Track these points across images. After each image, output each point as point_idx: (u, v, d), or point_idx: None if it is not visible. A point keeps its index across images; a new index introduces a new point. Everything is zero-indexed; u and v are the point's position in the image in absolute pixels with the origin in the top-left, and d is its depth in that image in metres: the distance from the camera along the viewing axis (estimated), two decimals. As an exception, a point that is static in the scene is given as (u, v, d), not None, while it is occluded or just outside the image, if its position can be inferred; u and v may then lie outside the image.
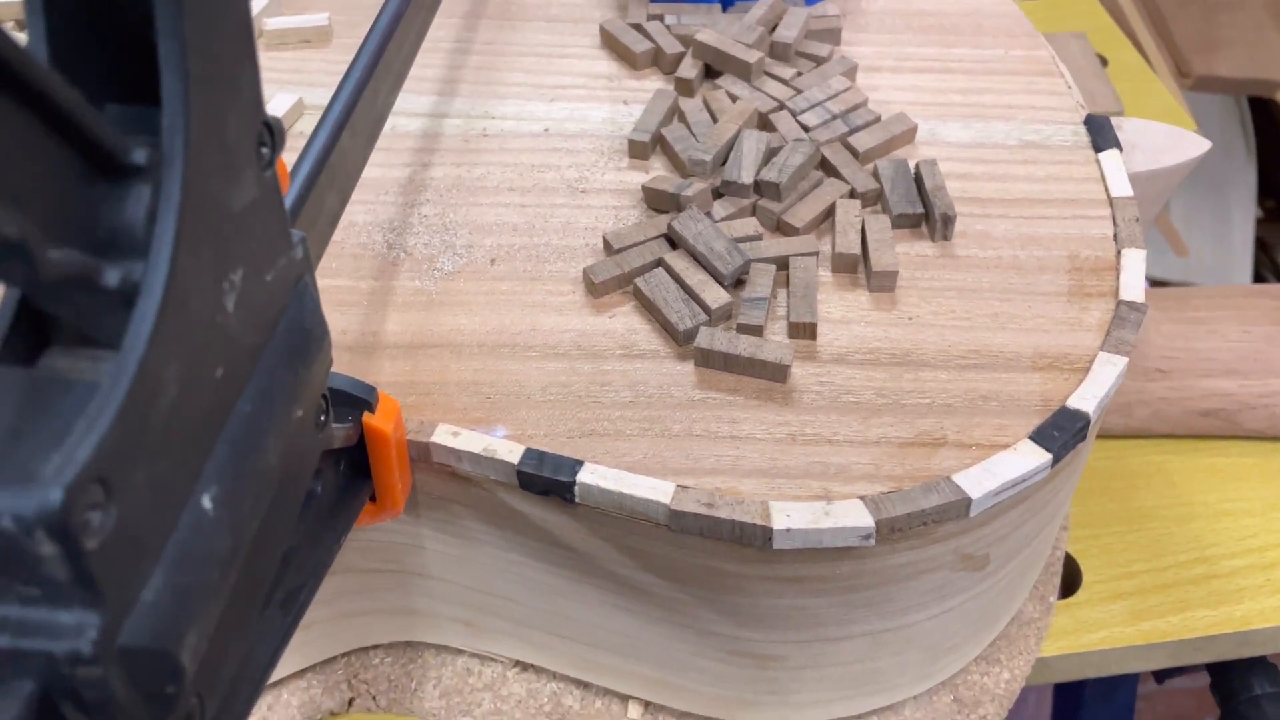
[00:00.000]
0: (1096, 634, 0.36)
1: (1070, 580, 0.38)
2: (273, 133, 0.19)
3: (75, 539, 0.14)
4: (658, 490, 0.26)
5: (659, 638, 0.31)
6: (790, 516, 0.26)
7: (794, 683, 0.31)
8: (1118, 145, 0.35)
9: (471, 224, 0.34)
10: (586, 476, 0.27)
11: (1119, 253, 0.32)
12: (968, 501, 0.26)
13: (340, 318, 0.31)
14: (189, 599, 0.16)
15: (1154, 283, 0.90)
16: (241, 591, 0.19)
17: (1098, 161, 0.35)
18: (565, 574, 0.30)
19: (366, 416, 0.26)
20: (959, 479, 0.27)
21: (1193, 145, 0.36)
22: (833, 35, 0.39)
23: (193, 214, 0.16)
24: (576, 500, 0.27)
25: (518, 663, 0.34)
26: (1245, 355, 0.41)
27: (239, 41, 0.17)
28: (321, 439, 0.23)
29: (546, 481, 0.27)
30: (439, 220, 0.34)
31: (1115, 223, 0.33)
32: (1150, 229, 0.91)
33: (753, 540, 0.26)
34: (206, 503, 0.17)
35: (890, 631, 0.30)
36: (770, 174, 0.32)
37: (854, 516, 0.26)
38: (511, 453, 0.27)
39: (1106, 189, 0.34)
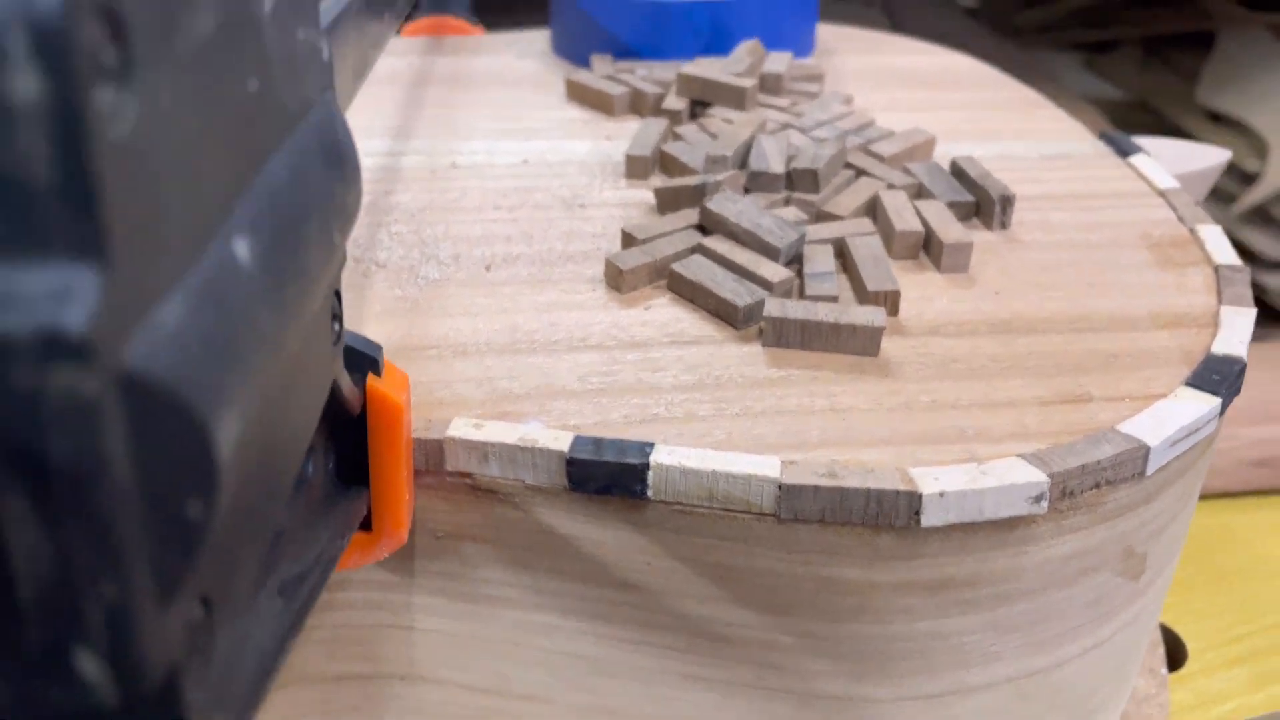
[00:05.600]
0: (1226, 705, 0.30)
1: (1173, 652, 0.32)
2: None
3: (81, 79, 0.07)
4: (761, 465, 0.20)
5: (743, 718, 0.23)
6: (939, 480, 0.20)
7: (927, 759, 0.23)
8: (1143, 150, 0.33)
9: (454, 237, 0.28)
10: (664, 457, 0.20)
11: (1192, 230, 0.29)
12: (1145, 451, 0.21)
13: (303, 327, 0.24)
14: (223, 354, 0.09)
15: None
16: (266, 473, 0.11)
17: (1129, 164, 0.32)
18: (618, 635, 0.22)
19: (373, 382, 0.19)
20: (1126, 428, 0.21)
21: (1213, 155, 0.34)
22: (816, 79, 0.37)
23: None
24: (649, 494, 0.20)
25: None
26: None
27: None
28: (335, 357, 0.16)
29: (609, 470, 0.20)
30: (414, 236, 0.28)
31: (1174, 207, 0.30)
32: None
33: (894, 517, 0.20)
34: (241, 248, 0.10)
35: (1039, 676, 0.23)
36: (803, 163, 0.28)
37: (1019, 473, 0.20)
38: (557, 440, 0.21)
39: (1150, 183, 0.31)
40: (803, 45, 0.41)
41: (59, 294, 0.07)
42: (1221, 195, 0.99)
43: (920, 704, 0.23)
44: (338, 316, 0.16)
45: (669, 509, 0.20)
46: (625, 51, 0.39)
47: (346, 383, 0.18)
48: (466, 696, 0.24)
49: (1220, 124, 1.03)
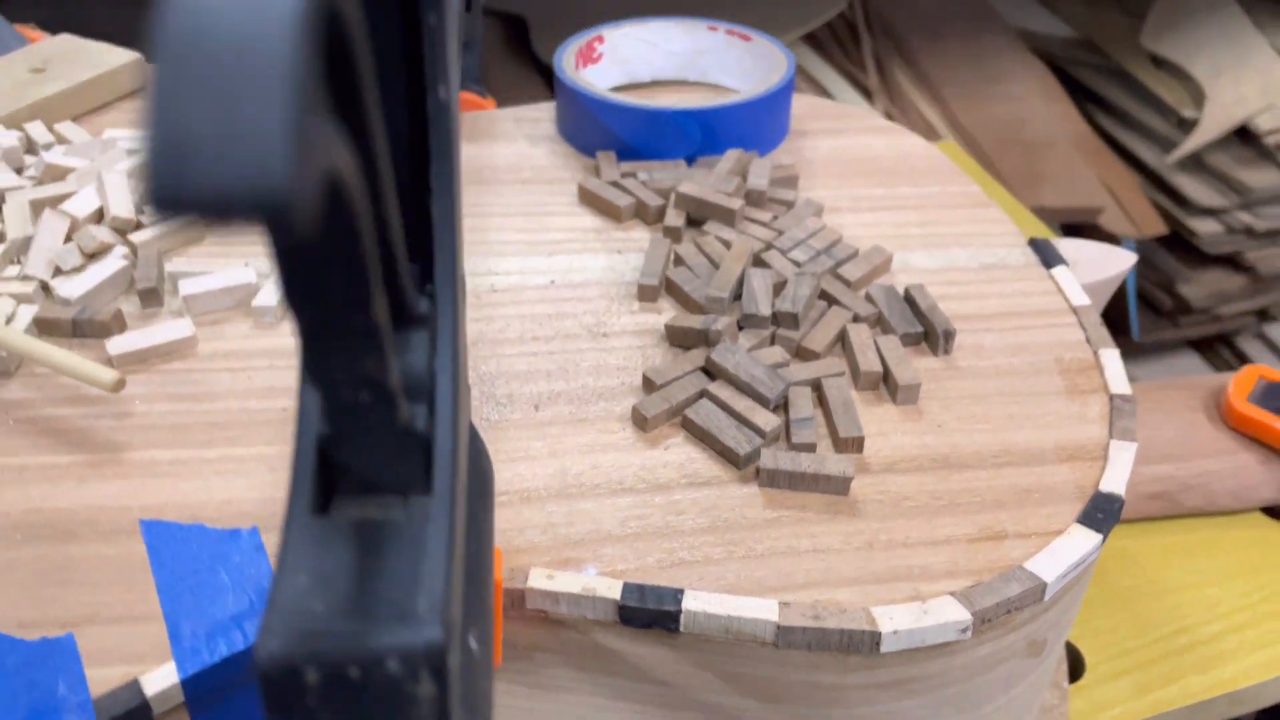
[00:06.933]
0: (1114, 710, 0.38)
1: (1074, 665, 0.41)
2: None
3: (450, 681, 0.14)
4: (763, 609, 0.27)
5: (744, 765, 0.31)
6: (894, 619, 0.27)
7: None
8: (1064, 262, 0.39)
9: (506, 373, 0.34)
10: (691, 604, 0.27)
11: (1096, 353, 0.36)
12: (1043, 586, 0.28)
13: (398, 476, 0.31)
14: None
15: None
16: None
17: (1051, 277, 0.39)
18: (654, 714, 0.30)
19: (479, 566, 0.26)
20: (1031, 566, 0.29)
21: (1122, 259, 0.40)
22: (792, 182, 0.43)
23: (459, 358, 0.17)
24: (680, 630, 0.27)
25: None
26: (1174, 441, 0.45)
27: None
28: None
29: (650, 614, 0.27)
30: (474, 373, 0.34)
31: (1084, 327, 0.37)
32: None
33: (860, 647, 0.27)
34: (473, 643, 0.17)
35: (964, 727, 0.31)
36: (785, 305, 0.35)
37: (950, 612, 0.27)
38: (611, 589, 0.28)
39: (1067, 300, 0.38)
40: (780, 130, 0.46)
41: None
42: (1160, 140, 1.06)
43: (876, 754, 0.31)
44: None
45: (694, 638, 0.28)
46: (625, 149, 0.44)
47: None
48: (533, 749, 0.32)
49: (1163, 68, 1.09)
